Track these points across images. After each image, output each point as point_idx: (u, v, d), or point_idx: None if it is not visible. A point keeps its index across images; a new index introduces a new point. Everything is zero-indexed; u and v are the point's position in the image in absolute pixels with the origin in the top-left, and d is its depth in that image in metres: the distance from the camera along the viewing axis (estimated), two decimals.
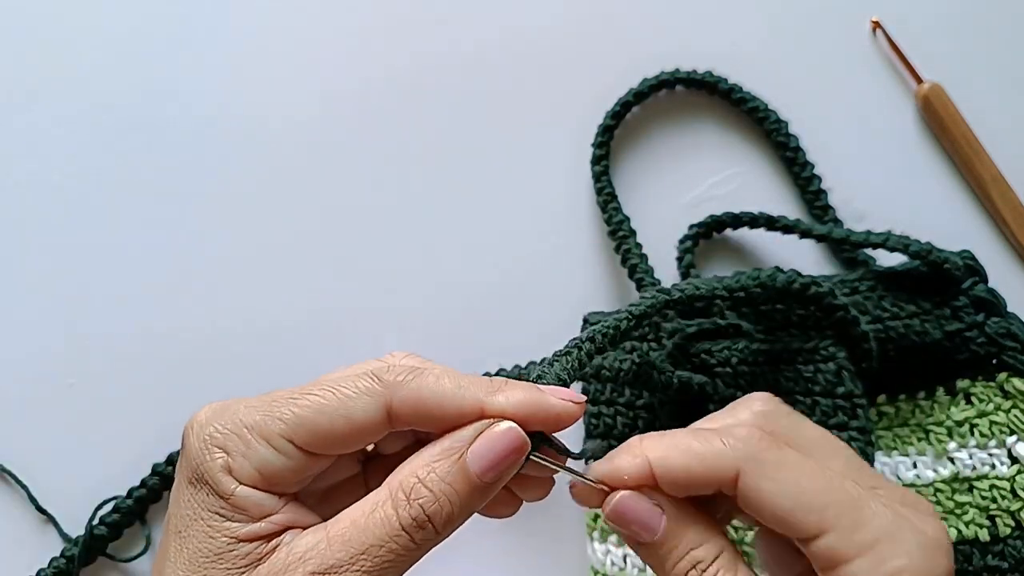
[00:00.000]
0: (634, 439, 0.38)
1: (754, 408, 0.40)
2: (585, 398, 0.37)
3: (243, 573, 0.33)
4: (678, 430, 0.39)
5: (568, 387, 0.39)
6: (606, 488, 0.37)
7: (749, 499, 0.36)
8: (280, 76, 0.66)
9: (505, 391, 0.35)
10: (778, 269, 0.52)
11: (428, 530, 0.33)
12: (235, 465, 0.34)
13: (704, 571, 0.36)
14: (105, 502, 0.57)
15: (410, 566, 0.34)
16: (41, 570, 0.56)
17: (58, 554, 0.56)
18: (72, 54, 0.66)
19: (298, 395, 0.35)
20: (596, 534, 0.54)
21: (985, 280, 0.56)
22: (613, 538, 0.54)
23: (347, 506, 0.35)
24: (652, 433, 0.39)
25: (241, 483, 0.34)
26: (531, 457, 0.35)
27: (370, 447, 0.41)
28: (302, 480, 0.36)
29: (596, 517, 0.54)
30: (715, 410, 0.51)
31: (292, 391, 0.35)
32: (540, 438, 0.36)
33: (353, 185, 0.64)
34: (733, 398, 0.51)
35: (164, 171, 0.64)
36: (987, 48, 0.66)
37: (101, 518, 0.56)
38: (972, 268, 0.56)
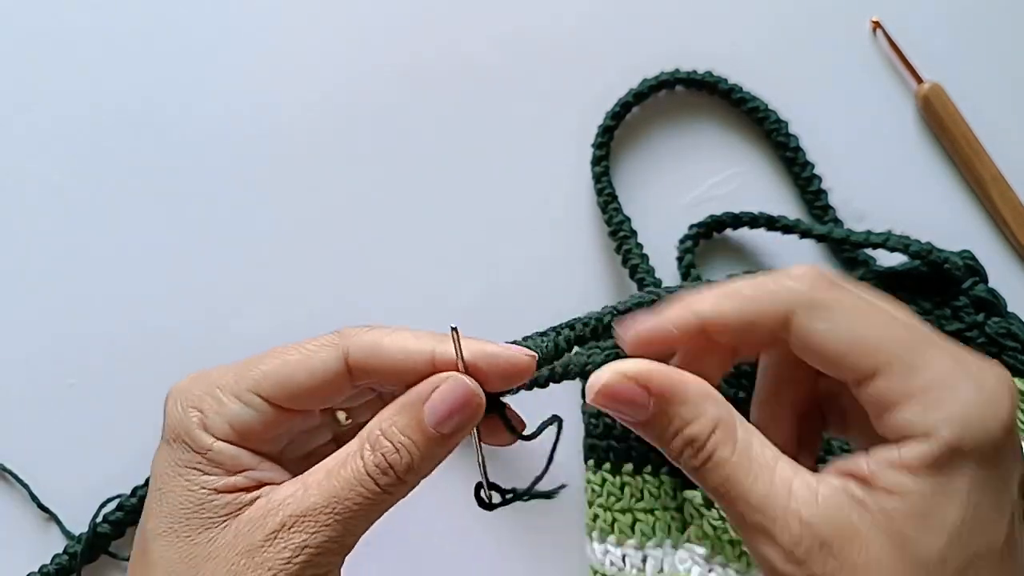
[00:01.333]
0: (679, 296, 0.37)
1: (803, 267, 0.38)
2: (535, 354, 0.38)
3: (224, 521, 0.36)
4: (725, 284, 0.37)
5: (539, 367, 0.40)
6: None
7: (802, 341, 0.35)
8: (280, 76, 0.66)
9: (450, 343, 0.37)
10: None
11: (391, 476, 0.35)
12: (209, 422, 0.37)
13: (700, 449, 0.34)
14: (109, 500, 0.57)
15: (382, 512, 0.36)
16: (44, 566, 0.56)
17: (59, 552, 0.56)
18: (69, 54, 0.66)
19: (267, 355, 0.38)
20: (596, 534, 0.54)
21: (985, 280, 0.56)
22: (612, 538, 0.54)
23: None
24: (700, 292, 0.37)
25: (216, 438, 0.36)
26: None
27: (345, 418, 0.43)
28: (276, 436, 0.38)
29: (596, 517, 0.54)
30: None
31: (263, 353, 0.38)
32: (496, 405, 0.38)
33: (353, 186, 0.64)
34: (735, 398, 0.52)
35: (164, 171, 0.64)
36: (987, 48, 0.66)
37: (104, 516, 0.56)
38: (972, 268, 0.56)
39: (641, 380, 0.35)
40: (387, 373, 0.37)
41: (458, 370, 0.36)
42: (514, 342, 0.41)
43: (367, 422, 0.39)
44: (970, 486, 0.32)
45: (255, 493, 0.36)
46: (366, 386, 0.39)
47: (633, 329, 0.37)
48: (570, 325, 0.44)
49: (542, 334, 0.43)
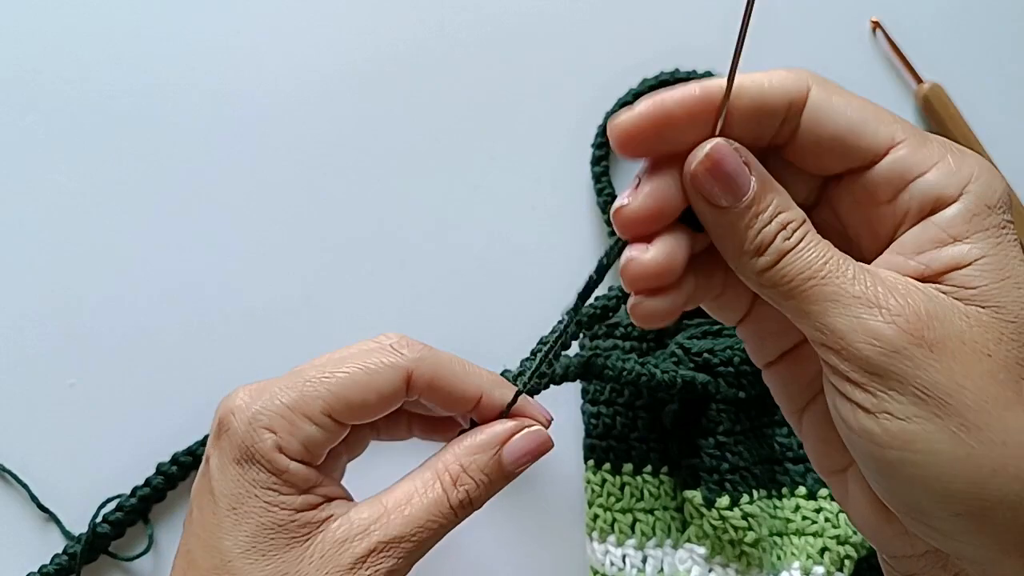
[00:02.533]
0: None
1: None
2: (548, 420, 0.42)
3: (306, 539, 0.37)
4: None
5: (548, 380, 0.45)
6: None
7: (820, 114, 0.34)
8: (277, 69, 0.66)
9: (501, 388, 0.41)
10: None
11: (469, 509, 0.39)
12: (284, 444, 0.38)
13: (794, 231, 0.33)
14: (109, 500, 0.57)
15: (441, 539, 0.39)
16: (43, 567, 0.56)
17: (59, 552, 0.56)
18: (63, 50, 0.66)
19: (328, 373, 0.39)
20: (596, 534, 0.54)
21: None
22: (612, 538, 0.54)
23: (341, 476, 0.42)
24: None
25: (292, 459, 0.38)
26: None
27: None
28: (333, 451, 0.40)
29: (596, 517, 0.54)
30: (716, 410, 0.51)
31: (320, 370, 0.39)
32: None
33: (352, 186, 0.64)
34: (736, 398, 0.52)
35: (164, 172, 0.64)
36: (987, 48, 0.66)
37: (104, 516, 0.56)
38: None
39: (743, 155, 0.33)
40: (441, 400, 0.40)
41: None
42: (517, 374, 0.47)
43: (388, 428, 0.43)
44: (1011, 236, 0.32)
45: (326, 510, 0.38)
46: (421, 409, 0.43)
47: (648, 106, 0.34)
48: (544, 341, 0.46)
49: (545, 343, 0.45)
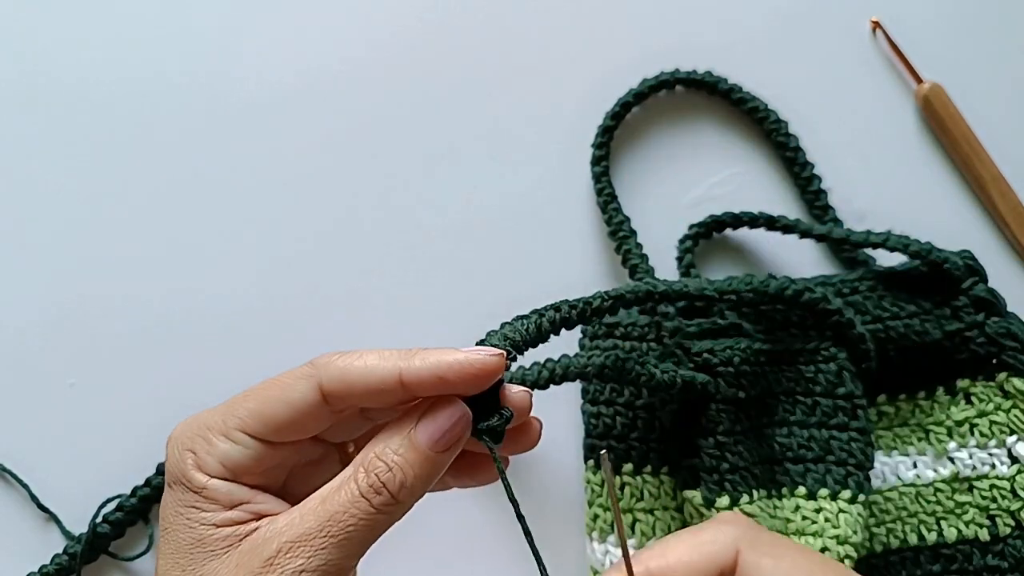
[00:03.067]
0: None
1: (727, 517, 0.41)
2: (502, 352, 0.38)
3: (225, 552, 0.37)
4: (668, 537, 0.40)
5: (520, 351, 0.41)
6: None
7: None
8: (277, 67, 0.66)
9: (420, 355, 0.38)
10: (771, 276, 0.53)
11: (384, 496, 0.36)
12: (202, 462, 0.38)
13: None
14: (109, 500, 0.57)
15: (378, 533, 0.37)
16: (44, 566, 0.56)
17: (59, 552, 0.56)
18: (63, 51, 0.66)
19: (249, 392, 0.39)
20: (595, 534, 0.54)
21: (985, 280, 0.56)
22: (612, 538, 0.54)
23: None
24: (646, 549, 0.40)
25: (210, 476, 0.38)
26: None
27: (353, 450, 0.44)
28: (270, 470, 0.39)
29: (596, 517, 0.54)
30: (716, 410, 0.51)
31: (246, 393, 0.39)
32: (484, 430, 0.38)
33: (352, 187, 0.64)
34: (735, 398, 0.52)
35: (164, 172, 0.64)
36: (987, 48, 0.66)
37: (104, 516, 0.56)
38: (972, 268, 0.56)
39: None
40: (359, 396, 0.38)
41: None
42: (500, 327, 0.42)
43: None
44: None
45: (254, 524, 0.38)
46: (347, 412, 0.40)
47: None
48: (555, 307, 0.44)
49: (524, 317, 0.43)
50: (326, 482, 0.41)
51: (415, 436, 0.37)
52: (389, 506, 0.37)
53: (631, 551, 0.53)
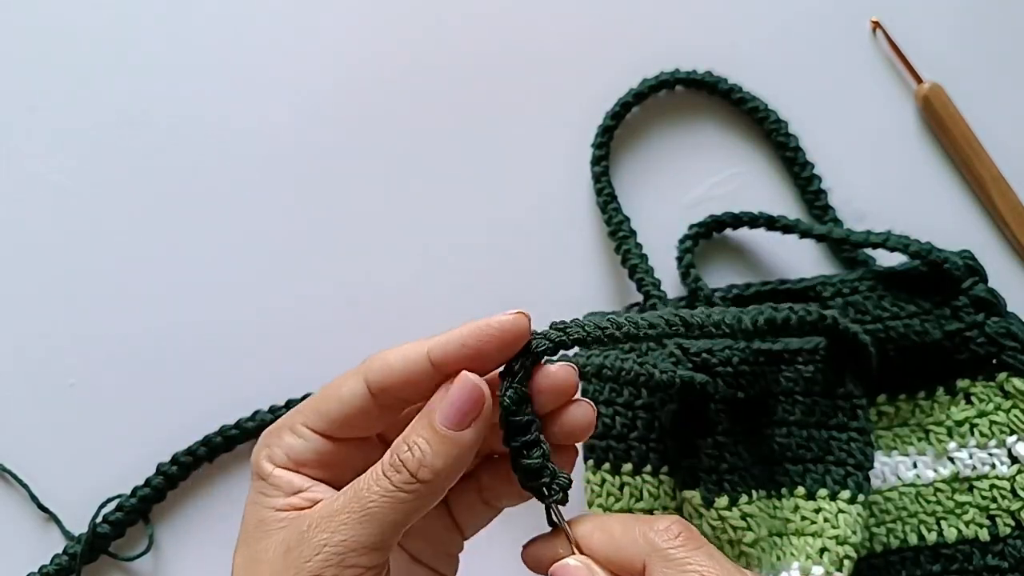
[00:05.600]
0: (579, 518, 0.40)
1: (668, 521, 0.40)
2: (522, 311, 0.40)
3: (277, 532, 0.40)
4: (615, 515, 0.41)
5: (568, 343, 0.41)
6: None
7: None
8: (280, 77, 0.66)
9: (445, 340, 0.40)
10: (790, 309, 0.51)
11: (404, 474, 0.38)
12: (272, 454, 0.42)
13: None
14: (109, 500, 0.57)
15: (407, 514, 0.38)
16: (44, 567, 0.56)
17: (59, 552, 0.56)
18: (67, 53, 0.66)
19: (317, 392, 0.43)
20: None
21: (985, 280, 0.56)
22: None
23: None
24: (591, 515, 0.41)
25: (276, 466, 0.41)
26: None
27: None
28: (334, 463, 0.42)
29: None
30: (715, 410, 0.51)
31: (314, 395, 0.43)
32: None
33: (352, 187, 0.64)
34: (734, 398, 0.52)
35: (164, 172, 0.64)
36: (987, 48, 0.66)
37: (105, 516, 0.57)
38: (972, 268, 0.56)
39: None
40: (399, 386, 0.40)
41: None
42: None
43: None
44: None
45: (305, 511, 0.40)
46: (395, 406, 0.42)
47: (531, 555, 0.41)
48: (632, 322, 0.43)
49: (599, 315, 0.43)
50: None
51: (433, 416, 0.38)
52: (410, 484, 0.38)
53: None
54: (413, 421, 0.39)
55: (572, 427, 0.40)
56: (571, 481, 0.39)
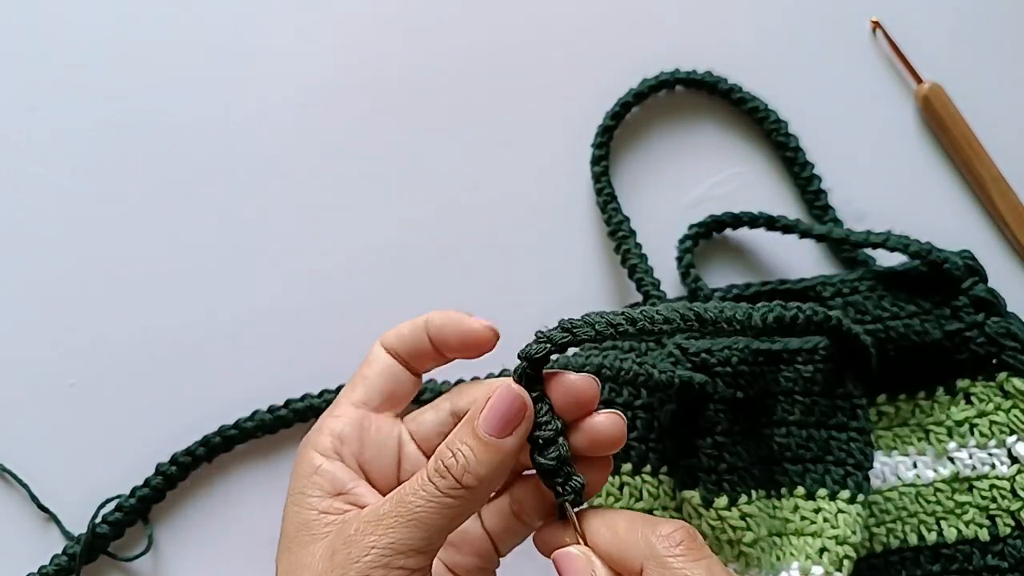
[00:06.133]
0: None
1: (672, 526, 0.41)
2: (490, 326, 0.44)
3: (323, 538, 0.41)
4: (623, 512, 0.41)
5: (576, 341, 0.41)
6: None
7: None
8: (281, 74, 0.66)
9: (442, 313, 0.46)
10: (799, 308, 0.51)
11: (449, 480, 0.39)
12: (318, 441, 0.44)
13: None
14: (108, 500, 0.57)
15: (451, 519, 0.39)
16: (43, 567, 0.56)
17: (59, 552, 0.56)
18: (66, 51, 0.66)
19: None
20: None
21: (985, 280, 0.56)
22: None
23: None
24: (602, 509, 0.41)
25: (323, 456, 0.43)
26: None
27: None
28: (369, 440, 0.45)
29: None
30: (714, 410, 0.51)
31: None
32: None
33: (352, 187, 0.64)
34: (733, 398, 0.52)
35: (164, 172, 0.64)
36: (987, 48, 0.66)
37: (104, 516, 0.56)
38: (972, 268, 0.56)
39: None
40: (408, 351, 0.46)
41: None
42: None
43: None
44: None
45: (349, 514, 0.41)
46: (412, 371, 0.47)
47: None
48: (643, 317, 0.43)
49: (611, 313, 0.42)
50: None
51: (476, 424, 0.39)
52: (455, 489, 0.39)
53: None
54: (456, 428, 0.40)
55: (597, 435, 0.41)
56: (584, 484, 0.40)
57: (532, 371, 0.40)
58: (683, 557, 0.37)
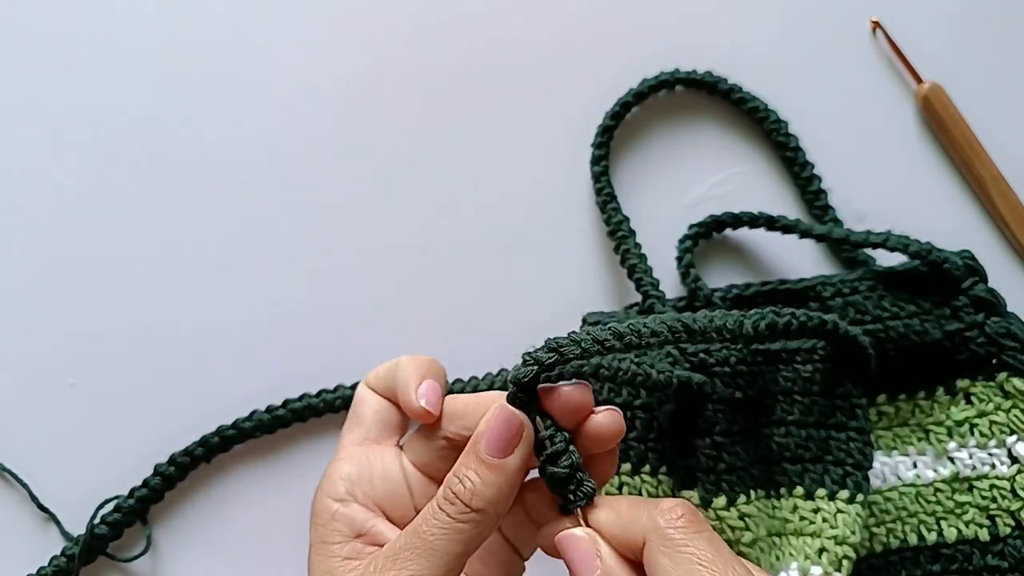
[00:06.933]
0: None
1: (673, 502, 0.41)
2: (426, 410, 0.45)
3: None
4: (624, 496, 0.43)
5: (564, 359, 0.41)
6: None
7: (648, 570, 0.38)
8: (279, 77, 0.66)
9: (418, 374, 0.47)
10: (792, 315, 0.51)
11: (459, 505, 0.40)
12: (330, 488, 0.45)
13: None
14: (106, 501, 0.57)
15: (466, 545, 0.40)
16: (42, 568, 0.56)
17: (58, 553, 0.56)
18: (68, 59, 0.66)
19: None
20: None
21: (985, 280, 0.56)
22: None
23: None
24: (603, 496, 0.42)
25: (335, 500, 0.44)
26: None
27: None
28: (378, 478, 0.45)
29: None
30: (713, 410, 0.51)
31: None
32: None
33: (353, 188, 0.64)
34: (732, 398, 0.52)
35: (165, 173, 0.64)
36: (987, 48, 0.66)
37: (102, 517, 0.56)
38: (972, 268, 0.56)
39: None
40: (402, 404, 0.46)
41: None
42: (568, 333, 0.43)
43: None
44: None
45: (375, 553, 0.42)
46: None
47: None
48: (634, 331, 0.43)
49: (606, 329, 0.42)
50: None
51: (478, 448, 0.40)
52: (466, 514, 0.40)
53: None
54: (461, 456, 0.41)
55: (598, 435, 0.41)
56: (596, 489, 0.41)
57: (523, 395, 0.41)
58: (684, 529, 0.37)
